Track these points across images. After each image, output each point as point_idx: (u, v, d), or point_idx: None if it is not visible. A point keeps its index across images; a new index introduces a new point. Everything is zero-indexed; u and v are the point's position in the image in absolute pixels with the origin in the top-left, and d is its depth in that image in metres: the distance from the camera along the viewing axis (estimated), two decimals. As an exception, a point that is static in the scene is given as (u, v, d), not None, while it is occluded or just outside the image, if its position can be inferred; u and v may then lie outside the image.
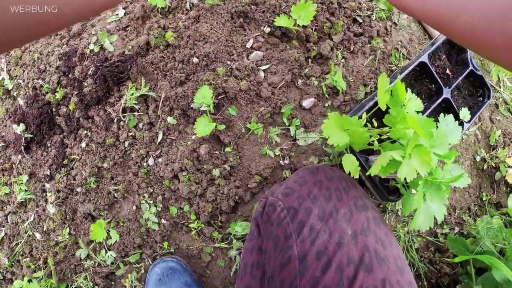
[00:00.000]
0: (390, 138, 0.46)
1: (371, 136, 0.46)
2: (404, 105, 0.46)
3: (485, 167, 0.78)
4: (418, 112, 0.55)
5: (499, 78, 0.80)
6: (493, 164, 0.78)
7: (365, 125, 0.49)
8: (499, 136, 0.79)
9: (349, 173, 0.45)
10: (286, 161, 0.62)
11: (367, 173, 0.44)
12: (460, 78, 0.62)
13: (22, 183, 0.69)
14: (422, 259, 0.72)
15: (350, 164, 0.46)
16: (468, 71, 0.63)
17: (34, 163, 0.69)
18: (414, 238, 0.72)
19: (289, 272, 0.37)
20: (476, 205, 0.78)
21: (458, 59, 0.66)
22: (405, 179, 0.40)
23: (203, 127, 0.56)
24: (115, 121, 0.64)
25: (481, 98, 0.67)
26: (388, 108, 0.45)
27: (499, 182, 0.79)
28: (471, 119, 0.61)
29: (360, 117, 0.50)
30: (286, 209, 0.42)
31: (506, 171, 0.77)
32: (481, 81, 0.66)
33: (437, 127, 0.51)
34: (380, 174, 0.43)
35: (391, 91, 0.45)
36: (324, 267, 0.36)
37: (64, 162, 0.66)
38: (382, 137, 0.48)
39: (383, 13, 0.69)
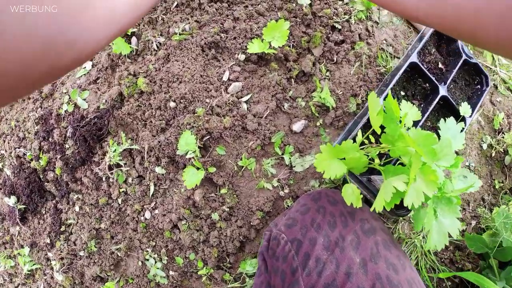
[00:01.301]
0: (390, 156, 0.43)
1: (369, 158, 0.43)
2: (400, 122, 0.42)
3: (493, 154, 0.73)
4: (417, 121, 0.51)
5: (493, 58, 0.75)
6: (501, 149, 0.74)
7: (363, 143, 0.45)
8: (503, 118, 0.74)
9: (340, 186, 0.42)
10: (286, 191, 0.59)
11: (371, 209, 0.41)
12: (455, 70, 0.58)
13: (25, 254, 0.68)
14: (442, 260, 0.69)
15: (351, 194, 0.43)
16: (462, 61, 0.59)
17: (33, 233, 0.68)
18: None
19: None
20: (489, 194, 0.74)
21: (449, 50, 0.61)
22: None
23: (191, 177, 0.53)
24: (103, 179, 0.62)
25: (479, 86, 0.63)
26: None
27: (510, 166, 0.75)
28: (472, 112, 0.57)
29: (354, 139, 0.46)
30: (290, 242, 0.41)
31: None
32: (476, 68, 0.62)
33: (439, 136, 0.48)
34: (386, 207, 0.40)
35: (384, 108, 0.41)
36: None
37: (61, 228, 0.64)
38: (382, 151, 0.45)
39: (362, 14, 0.64)
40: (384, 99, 0.48)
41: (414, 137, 0.40)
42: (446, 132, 0.46)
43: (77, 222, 0.64)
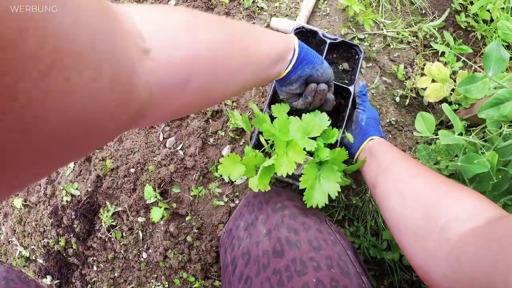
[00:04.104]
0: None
1: (267, 153, 0.58)
2: (264, 120, 0.56)
3: (408, 102, 0.82)
4: (294, 110, 0.64)
5: (375, 23, 0.87)
6: (414, 95, 0.84)
7: (262, 145, 0.60)
8: (404, 68, 0.83)
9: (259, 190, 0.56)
10: (236, 201, 0.76)
11: (257, 186, 0.53)
12: (324, 54, 0.65)
13: (71, 317, 0.87)
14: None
15: (255, 183, 0.57)
16: (327, 45, 0.66)
17: (72, 298, 0.88)
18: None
19: (227, 274, 0.48)
20: (419, 143, 0.85)
21: (317, 41, 0.69)
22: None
23: (156, 213, 0.72)
24: (106, 240, 0.82)
25: (356, 56, 0.70)
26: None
27: (431, 105, 0.82)
28: (354, 78, 0.65)
29: (256, 143, 0.63)
30: (226, 232, 0.55)
31: (424, 94, 0.79)
32: (345, 44, 0.68)
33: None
34: (264, 181, 0.53)
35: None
36: (246, 262, 0.45)
37: (88, 286, 0.84)
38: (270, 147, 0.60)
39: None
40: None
41: (276, 125, 0.54)
42: (308, 118, 0.59)
43: (98, 278, 0.83)
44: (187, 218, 0.76)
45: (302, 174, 0.64)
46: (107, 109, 0.17)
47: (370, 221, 0.77)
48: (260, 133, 0.66)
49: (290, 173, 0.50)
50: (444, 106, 0.58)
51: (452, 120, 0.56)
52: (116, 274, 0.82)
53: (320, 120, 0.57)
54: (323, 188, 0.52)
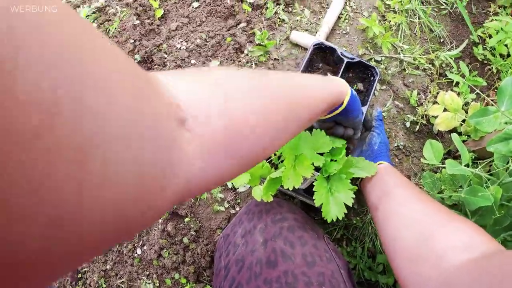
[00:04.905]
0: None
1: (274, 164, 0.59)
2: None
3: (418, 128, 0.82)
4: None
5: (393, 46, 0.88)
6: (424, 122, 0.85)
7: (269, 158, 0.61)
8: (417, 95, 0.84)
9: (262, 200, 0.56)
10: (237, 208, 0.76)
11: (262, 196, 0.54)
12: (340, 73, 0.67)
13: (58, 304, 0.86)
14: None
15: (259, 192, 0.58)
16: (344, 64, 0.67)
17: (58, 286, 0.87)
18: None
19: (219, 279, 0.48)
20: (425, 170, 0.86)
21: (334, 58, 0.71)
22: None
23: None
24: (102, 231, 0.82)
25: (372, 78, 0.71)
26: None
27: (440, 134, 0.82)
28: (368, 100, 0.66)
29: None
30: (223, 237, 0.55)
31: (435, 122, 0.80)
32: (362, 64, 0.69)
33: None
34: (270, 191, 0.54)
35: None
36: (239, 269, 0.45)
37: (79, 276, 0.84)
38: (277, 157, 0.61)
39: (262, 57, 0.85)
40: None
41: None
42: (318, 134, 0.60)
43: (89, 268, 0.83)
44: (186, 220, 0.76)
45: (306, 188, 0.64)
46: (149, 196, 0.15)
47: (368, 243, 0.77)
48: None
49: (297, 187, 0.50)
50: (454, 136, 0.58)
51: (460, 150, 0.56)
52: (108, 267, 0.81)
53: (333, 140, 0.57)
54: (337, 200, 0.53)
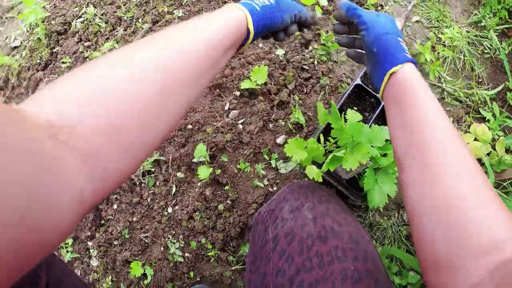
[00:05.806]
0: (340, 146, 0.63)
1: (326, 150, 0.63)
2: (340, 120, 0.61)
3: None
4: (359, 121, 0.70)
5: (438, 76, 0.97)
6: None
7: (325, 143, 0.65)
8: (454, 123, 0.94)
9: (313, 179, 0.60)
10: (275, 188, 0.79)
11: (322, 170, 0.59)
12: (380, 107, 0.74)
13: (68, 245, 0.85)
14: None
15: (312, 171, 0.61)
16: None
17: (76, 228, 0.86)
18: (401, 228, 0.86)
19: (266, 250, 0.49)
20: None
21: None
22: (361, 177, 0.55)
23: (204, 172, 0.74)
24: (137, 183, 0.82)
25: None
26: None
27: None
28: None
29: (318, 138, 0.67)
30: (267, 212, 0.56)
31: None
32: None
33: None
34: (330, 168, 0.58)
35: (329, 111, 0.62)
36: (290, 241, 0.46)
37: (101, 222, 0.83)
38: (331, 145, 0.65)
39: (323, 57, 0.90)
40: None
41: (348, 127, 0.60)
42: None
43: (114, 217, 0.83)
44: (225, 188, 0.78)
45: (348, 178, 0.69)
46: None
47: (387, 245, 0.81)
48: (322, 131, 0.71)
49: (353, 169, 0.55)
50: (484, 161, 0.64)
51: (489, 173, 0.62)
52: (134, 219, 0.82)
53: (383, 132, 0.63)
54: (381, 189, 0.58)
